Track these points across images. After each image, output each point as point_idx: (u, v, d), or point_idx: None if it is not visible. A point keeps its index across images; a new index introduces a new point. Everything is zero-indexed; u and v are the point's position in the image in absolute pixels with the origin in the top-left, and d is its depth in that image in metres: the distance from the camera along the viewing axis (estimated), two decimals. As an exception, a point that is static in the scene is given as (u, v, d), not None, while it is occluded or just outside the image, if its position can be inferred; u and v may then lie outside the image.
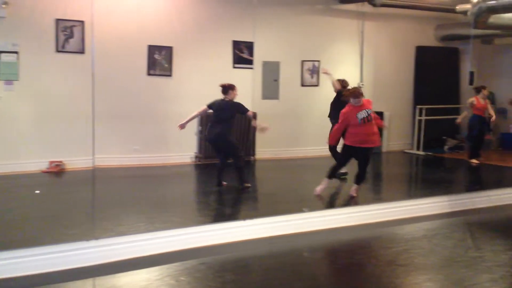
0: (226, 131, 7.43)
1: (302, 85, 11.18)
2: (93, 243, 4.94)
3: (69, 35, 8.76)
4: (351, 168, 7.65)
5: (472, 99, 10.56)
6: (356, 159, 7.24)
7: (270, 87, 10.76)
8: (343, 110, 7.06)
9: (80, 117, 8.31)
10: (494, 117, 10.57)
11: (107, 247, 4.99)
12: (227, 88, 7.48)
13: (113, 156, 9.18)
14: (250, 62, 10.06)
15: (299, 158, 10.71)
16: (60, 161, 8.71)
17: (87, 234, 5.11)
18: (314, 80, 11.24)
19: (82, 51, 8.86)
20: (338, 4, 11.35)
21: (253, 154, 10.37)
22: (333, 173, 7.38)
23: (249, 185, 7.66)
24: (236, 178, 7.62)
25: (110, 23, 8.97)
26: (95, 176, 6.51)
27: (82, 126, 7.91)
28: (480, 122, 10.50)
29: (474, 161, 10.52)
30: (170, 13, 9.59)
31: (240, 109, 7.47)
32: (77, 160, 8.63)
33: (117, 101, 9.24)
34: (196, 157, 9.83)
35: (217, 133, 7.39)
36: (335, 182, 7.66)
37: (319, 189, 7.27)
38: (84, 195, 6.65)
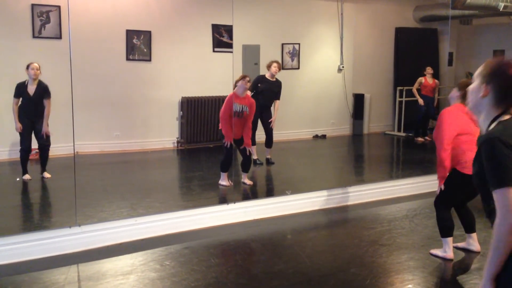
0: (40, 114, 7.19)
1: (283, 68, 11.15)
2: (75, 229, 4.93)
3: (45, 20, 8.61)
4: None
5: (421, 79, 10.93)
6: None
7: (251, 70, 10.70)
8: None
9: (58, 103, 8.18)
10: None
11: (90, 234, 4.98)
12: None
13: (94, 143, 9.09)
14: (230, 45, 9.99)
15: (285, 141, 10.70)
16: (40, 149, 8.59)
17: (69, 221, 5.08)
18: (295, 63, 11.22)
19: (59, 37, 8.71)
20: (317, -14, 11.32)
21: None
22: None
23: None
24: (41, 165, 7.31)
25: (87, 8, 8.81)
26: (76, 163, 6.44)
27: (61, 112, 7.79)
28: (426, 102, 10.87)
29: (420, 139, 10.86)
30: (148, -3, 9.48)
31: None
32: (57, 147, 8.51)
33: (96, 86, 9.13)
34: (178, 142, 9.78)
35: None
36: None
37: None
38: (65, 182, 6.59)
